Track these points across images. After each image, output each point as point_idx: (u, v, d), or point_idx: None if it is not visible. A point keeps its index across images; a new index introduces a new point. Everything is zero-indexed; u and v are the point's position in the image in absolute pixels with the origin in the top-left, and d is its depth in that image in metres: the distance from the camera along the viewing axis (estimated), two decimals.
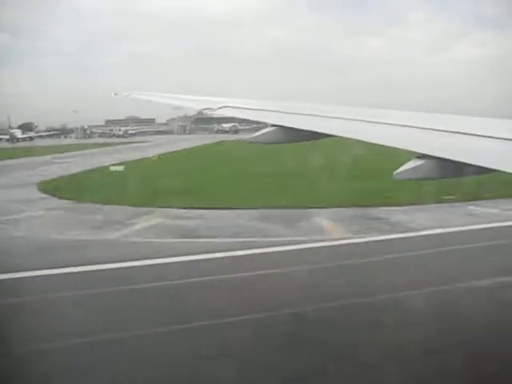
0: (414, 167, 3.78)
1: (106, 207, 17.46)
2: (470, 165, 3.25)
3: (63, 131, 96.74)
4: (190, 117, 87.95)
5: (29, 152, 44.31)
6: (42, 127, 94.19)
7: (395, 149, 4.11)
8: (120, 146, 57.49)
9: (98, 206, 17.79)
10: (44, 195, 20.49)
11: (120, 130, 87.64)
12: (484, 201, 16.23)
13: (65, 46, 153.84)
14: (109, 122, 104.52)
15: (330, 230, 13.89)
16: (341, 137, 4.88)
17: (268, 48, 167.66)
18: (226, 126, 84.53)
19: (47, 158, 40.43)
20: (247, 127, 78.72)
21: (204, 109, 7.13)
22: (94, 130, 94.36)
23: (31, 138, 79.76)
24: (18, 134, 78.26)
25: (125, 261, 10.36)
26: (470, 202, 16.12)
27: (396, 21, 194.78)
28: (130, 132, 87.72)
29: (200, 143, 59.06)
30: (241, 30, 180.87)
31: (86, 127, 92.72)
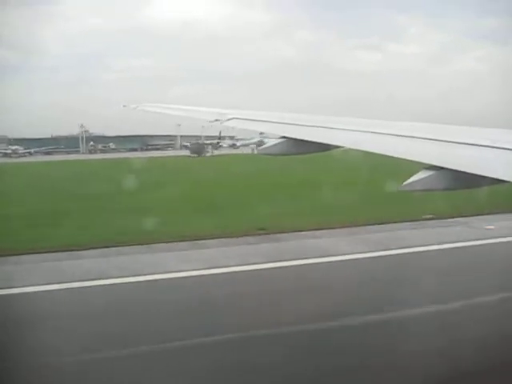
0: (424, 178, 3.75)
1: None
2: (483, 176, 3.22)
3: None
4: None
5: None
6: None
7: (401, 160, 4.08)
8: None
9: None
10: None
11: None
12: None
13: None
14: None
15: None
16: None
17: (274, 63, 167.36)
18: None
19: None
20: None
21: (213, 120, 7.10)
22: None
23: None
24: None
25: None
26: None
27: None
28: None
29: None
30: (241, 45, 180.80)
31: None
